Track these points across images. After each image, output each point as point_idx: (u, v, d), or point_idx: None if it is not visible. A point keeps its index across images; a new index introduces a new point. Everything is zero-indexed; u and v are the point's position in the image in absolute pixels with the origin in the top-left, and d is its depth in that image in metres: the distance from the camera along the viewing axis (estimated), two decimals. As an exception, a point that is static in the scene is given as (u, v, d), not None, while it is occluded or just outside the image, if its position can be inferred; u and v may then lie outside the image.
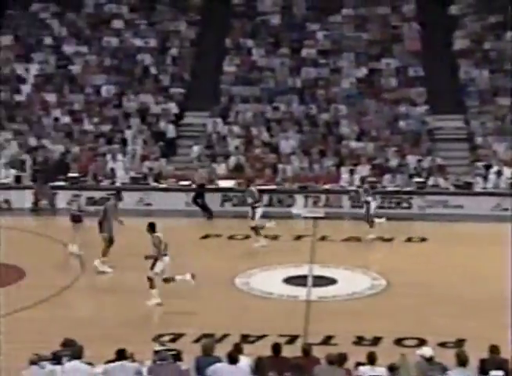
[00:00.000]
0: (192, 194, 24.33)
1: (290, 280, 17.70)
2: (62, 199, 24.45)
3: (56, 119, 27.53)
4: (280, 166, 25.73)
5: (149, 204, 24.72)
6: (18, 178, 25.26)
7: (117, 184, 25.03)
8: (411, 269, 18.35)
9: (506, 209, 23.86)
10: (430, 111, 27.79)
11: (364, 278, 17.98)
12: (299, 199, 24.79)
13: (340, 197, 24.64)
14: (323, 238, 21.53)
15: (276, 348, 11.25)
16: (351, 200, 23.63)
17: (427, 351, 11.15)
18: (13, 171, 25.31)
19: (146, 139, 26.78)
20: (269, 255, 19.70)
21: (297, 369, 10.81)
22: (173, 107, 28.26)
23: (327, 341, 14.16)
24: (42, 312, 15.84)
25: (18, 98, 28.54)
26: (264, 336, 14.17)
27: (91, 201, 24.25)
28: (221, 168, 25.68)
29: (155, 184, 25.15)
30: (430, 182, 25.06)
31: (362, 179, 23.26)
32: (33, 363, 10.91)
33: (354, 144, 26.56)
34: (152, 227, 16.41)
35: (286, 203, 24.80)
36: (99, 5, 32.01)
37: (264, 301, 16.58)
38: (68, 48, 30.30)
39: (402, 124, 27.38)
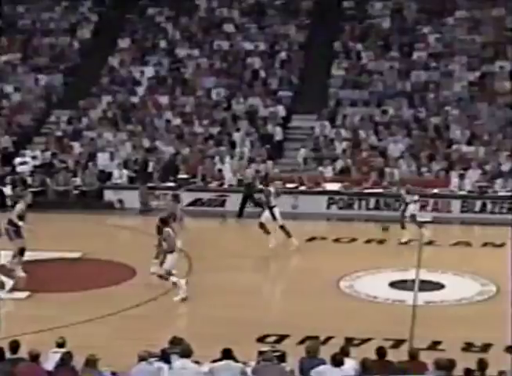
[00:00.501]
0: (242, 193, 24.40)
1: (396, 284, 17.53)
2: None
3: (168, 121, 28.09)
4: (387, 170, 25.53)
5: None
6: (131, 179, 25.87)
7: (225, 186, 25.35)
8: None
9: None
10: (545, 115, 27.15)
11: (473, 284, 17.66)
12: (407, 203, 24.54)
13: (449, 202, 24.30)
14: (431, 243, 21.26)
15: (381, 351, 11.16)
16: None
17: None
18: (126, 172, 25.92)
19: (253, 142, 27.03)
20: (375, 259, 19.58)
21: (403, 373, 10.67)
22: (281, 110, 28.42)
23: (434, 346, 13.94)
24: (151, 310, 16.13)
25: (133, 99, 29.24)
26: (368, 339, 14.08)
27: (200, 202, 24.66)
28: (327, 171, 25.69)
29: (261, 186, 25.30)
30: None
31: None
32: (142, 359, 11.06)
33: (464, 148, 26.14)
34: (163, 222, 16.60)
35: (393, 207, 24.59)
36: (211, 9, 32.53)
37: (369, 305, 16.49)
38: (181, 52, 30.89)
39: (515, 128, 26.82)
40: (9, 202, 24.69)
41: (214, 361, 11.24)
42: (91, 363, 10.85)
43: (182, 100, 29.02)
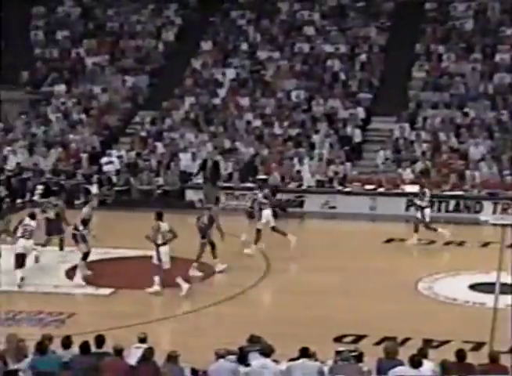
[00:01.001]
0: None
1: (476, 287, 17.43)
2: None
3: (248, 122, 28.37)
4: (468, 172, 25.32)
5: (333, 207, 24.98)
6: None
7: (303, 187, 25.51)
8: None
9: None
10: None
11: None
12: (487, 205, 24.33)
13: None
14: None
15: (461, 354, 11.06)
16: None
17: None
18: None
19: (332, 143, 27.10)
20: (454, 261, 19.50)
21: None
22: (360, 112, 28.42)
23: (516, 349, 13.82)
24: (229, 308, 16.35)
25: (215, 101, 29.60)
26: (447, 341, 14.02)
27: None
28: (406, 173, 25.60)
29: (340, 188, 25.42)
30: None
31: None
32: (220, 356, 11.17)
33: (550, 151, 25.81)
34: (159, 216, 17.07)
35: (474, 209, 24.41)
36: (293, 12, 32.71)
37: (448, 307, 16.42)
38: (262, 54, 31.15)
39: None
40: (95, 201, 25.36)
41: (292, 360, 11.32)
42: (172, 358, 11.09)
43: (263, 102, 29.27)
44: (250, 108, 29.06)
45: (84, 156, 27.28)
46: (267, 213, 20.16)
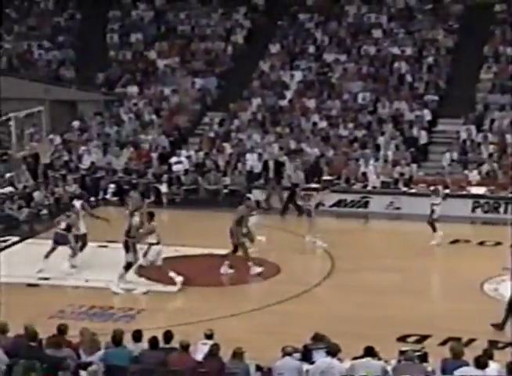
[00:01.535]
0: (288, 193, 24.80)
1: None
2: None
3: (315, 124, 28.56)
4: (536, 175, 25.15)
5: (398, 208, 24.97)
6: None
7: (369, 188, 25.62)
8: None
9: None
10: None
11: None
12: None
13: None
14: None
15: (527, 355, 11.02)
16: None
17: None
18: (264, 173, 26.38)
19: (398, 145, 27.13)
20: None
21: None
22: (427, 114, 28.36)
23: None
24: (294, 306, 16.57)
25: (281, 103, 29.86)
26: (513, 343, 13.98)
27: (343, 204, 25.02)
28: (472, 175, 25.53)
29: (405, 189, 25.45)
30: None
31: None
32: (287, 354, 11.30)
33: None
34: (151, 216, 17.56)
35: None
36: (360, 14, 32.78)
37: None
38: (328, 56, 31.26)
39: None
40: (164, 199, 25.90)
41: (355, 358, 11.44)
42: (238, 355, 11.27)
43: (329, 104, 29.42)
44: (317, 110, 29.22)
45: (155, 156, 27.83)
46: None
